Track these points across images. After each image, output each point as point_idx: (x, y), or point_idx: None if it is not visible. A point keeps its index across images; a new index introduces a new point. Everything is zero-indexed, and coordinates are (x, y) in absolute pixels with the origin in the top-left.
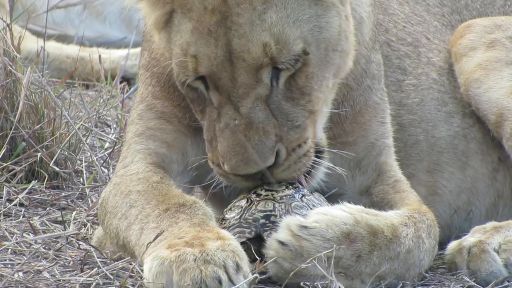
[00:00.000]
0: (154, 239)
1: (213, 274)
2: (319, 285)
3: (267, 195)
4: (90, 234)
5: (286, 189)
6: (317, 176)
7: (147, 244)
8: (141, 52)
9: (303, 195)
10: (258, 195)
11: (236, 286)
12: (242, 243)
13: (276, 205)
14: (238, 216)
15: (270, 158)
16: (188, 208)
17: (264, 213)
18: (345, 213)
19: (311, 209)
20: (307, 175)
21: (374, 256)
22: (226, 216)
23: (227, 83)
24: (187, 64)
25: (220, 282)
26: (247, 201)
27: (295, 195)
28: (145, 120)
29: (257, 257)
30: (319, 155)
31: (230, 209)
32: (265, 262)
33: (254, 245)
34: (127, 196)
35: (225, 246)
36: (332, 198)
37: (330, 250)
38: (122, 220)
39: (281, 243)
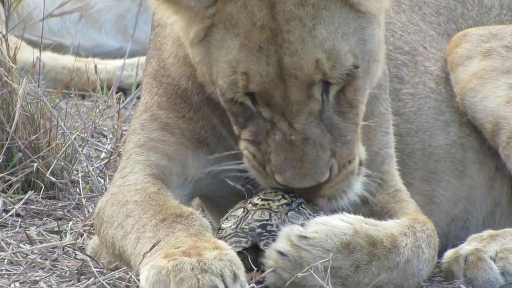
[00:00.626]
0: (151, 248)
1: (210, 283)
2: None
3: (263, 205)
4: (87, 244)
5: (282, 198)
6: (348, 197)
7: (144, 254)
8: (147, 60)
9: (299, 204)
10: (254, 204)
11: None
12: (238, 253)
13: (272, 214)
14: (235, 225)
15: (326, 173)
16: (185, 219)
17: (261, 223)
18: (344, 223)
19: (307, 218)
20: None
21: (372, 266)
22: (223, 225)
23: (279, 101)
24: (237, 81)
25: None
26: (244, 211)
27: (291, 204)
28: (147, 130)
29: (254, 267)
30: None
31: (227, 218)
32: (262, 271)
33: (251, 254)
34: (124, 206)
35: (222, 255)
36: None
37: (326, 260)
38: (118, 229)
39: (281, 253)
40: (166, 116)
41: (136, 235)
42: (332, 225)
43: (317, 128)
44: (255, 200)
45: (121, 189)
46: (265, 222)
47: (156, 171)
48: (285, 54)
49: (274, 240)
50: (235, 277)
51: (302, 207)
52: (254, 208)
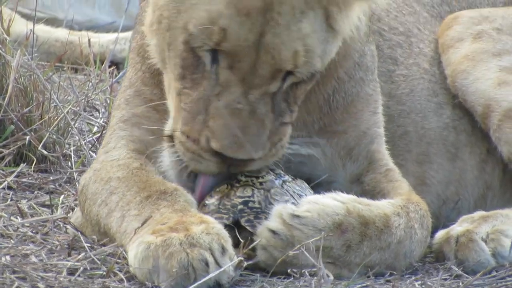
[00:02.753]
0: (143, 223)
1: (200, 257)
2: (306, 273)
3: (247, 181)
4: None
5: (267, 175)
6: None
7: (136, 229)
8: (132, 35)
9: (284, 181)
10: (238, 180)
11: (222, 268)
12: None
13: (255, 191)
14: (217, 202)
15: (262, 151)
16: (170, 195)
17: (243, 199)
18: (337, 202)
19: (291, 195)
20: None
21: (364, 247)
22: (206, 202)
23: (245, 67)
24: (212, 33)
25: (207, 264)
26: (227, 187)
27: (275, 181)
28: (132, 106)
29: (241, 240)
30: None
31: (211, 195)
32: (249, 247)
33: (232, 230)
34: (107, 183)
35: (209, 229)
36: (323, 186)
37: (318, 238)
38: (102, 207)
39: (272, 231)
40: (151, 93)
41: (121, 213)
42: (325, 204)
43: (265, 106)
44: (239, 176)
45: (104, 165)
46: (247, 199)
47: (140, 146)
48: (269, 31)
49: (255, 217)
50: (223, 250)
51: (286, 184)
52: (237, 185)
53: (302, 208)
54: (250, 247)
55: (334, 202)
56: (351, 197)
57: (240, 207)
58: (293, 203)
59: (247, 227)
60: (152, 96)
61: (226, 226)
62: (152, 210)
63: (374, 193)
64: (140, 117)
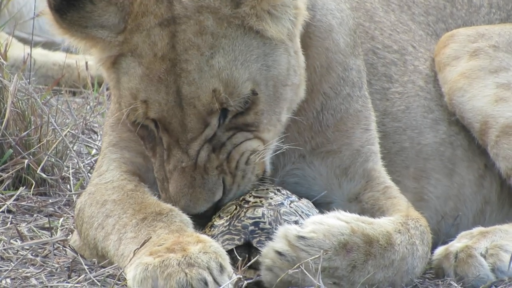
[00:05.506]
0: (141, 246)
1: (198, 276)
2: None
3: (256, 202)
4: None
5: (275, 196)
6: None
7: (134, 251)
8: None
9: (292, 202)
10: (247, 201)
11: (221, 287)
12: (231, 250)
13: (265, 211)
14: (227, 223)
15: (217, 192)
16: (165, 216)
17: (253, 220)
18: (341, 222)
19: (300, 215)
20: None
21: (368, 266)
22: (215, 223)
23: (176, 128)
24: (137, 108)
25: (206, 283)
26: (236, 208)
27: (283, 201)
28: (117, 131)
29: (247, 262)
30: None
31: (219, 216)
32: (255, 268)
33: (244, 252)
34: (103, 206)
35: (206, 248)
36: (321, 206)
37: (317, 257)
38: (99, 230)
39: (278, 252)
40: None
41: (118, 236)
42: (329, 225)
43: (205, 152)
44: (247, 197)
45: (99, 188)
46: (258, 220)
47: (132, 167)
48: (183, 84)
49: (267, 237)
50: (221, 268)
51: (294, 204)
52: (246, 206)
53: (307, 229)
54: (248, 264)
55: (339, 222)
56: (354, 216)
57: (251, 228)
58: (302, 223)
59: (259, 248)
60: None
61: (238, 247)
62: (148, 232)
63: (373, 211)
64: (127, 141)
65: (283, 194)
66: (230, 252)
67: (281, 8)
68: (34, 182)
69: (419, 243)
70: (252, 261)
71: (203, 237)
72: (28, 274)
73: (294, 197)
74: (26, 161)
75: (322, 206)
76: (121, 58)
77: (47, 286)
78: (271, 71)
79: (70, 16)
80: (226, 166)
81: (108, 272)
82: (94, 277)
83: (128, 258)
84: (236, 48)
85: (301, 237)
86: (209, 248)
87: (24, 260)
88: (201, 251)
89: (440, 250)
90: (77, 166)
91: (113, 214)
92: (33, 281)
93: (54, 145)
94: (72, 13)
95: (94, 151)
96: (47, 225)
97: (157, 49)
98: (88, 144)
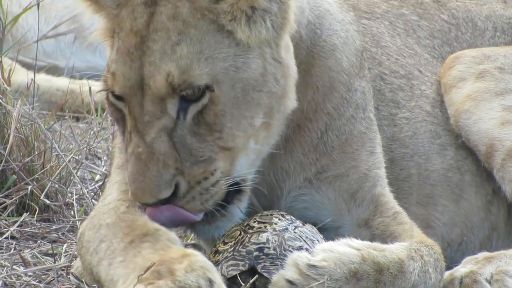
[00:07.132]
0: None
1: None
2: None
3: (260, 227)
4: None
5: (279, 221)
6: (233, 214)
7: (122, 277)
8: None
9: (296, 227)
10: (251, 227)
11: None
12: (235, 276)
13: (270, 237)
14: (232, 248)
15: (165, 191)
16: (151, 236)
17: (258, 246)
18: (352, 249)
19: (304, 240)
20: (220, 210)
21: None
22: (219, 248)
23: (136, 109)
24: (106, 79)
25: None
26: (240, 233)
27: (288, 227)
28: (124, 153)
29: None
30: (238, 190)
31: (223, 241)
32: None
33: (248, 277)
34: (98, 231)
35: (192, 264)
36: (330, 230)
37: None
38: (93, 255)
39: (289, 281)
40: None
41: (108, 261)
42: (340, 252)
43: (164, 144)
44: (252, 223)
45: (98, 212)
46: (262, 245)
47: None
48: (145, 62)
49: (271, 263)
50: (211, 283)
51: (299, 229)
52: (251, 231)
53: (318, 257)
54: (248, 284)
55: (350, 250)
56: (365, 243)
57: (255, 253)
58: (306, 248)
59: (264, 274)
60: None
61: (242, 273)
62: (135, 254)
63: (384, 237)
64: None
65: (287, 219)
66: (234, 277)
67: (262, 13)
68: (37, 208)
69: (433, 271)
70: (251, 281)
71: (188, 251)
72: None
73: (298, 222)
74: (29, 187)
75: (331, 230)
76: (114, 34)
77: None
78: (239, 73)
79: None
80: (187, 173)
81: None
82: None
83: (117, 284)
84: (205, 42)
85: (312, 266)
86: (196, 264)
87: (27, 286)
88: (188, 270)
89: (445, 275)
90: (81, 192)
91: (106, 239)
92: None
93: (58, 171)
94: None
95: (98, 177)
96: (51, 251)
97: (134, 24)
98: (92, 170)
